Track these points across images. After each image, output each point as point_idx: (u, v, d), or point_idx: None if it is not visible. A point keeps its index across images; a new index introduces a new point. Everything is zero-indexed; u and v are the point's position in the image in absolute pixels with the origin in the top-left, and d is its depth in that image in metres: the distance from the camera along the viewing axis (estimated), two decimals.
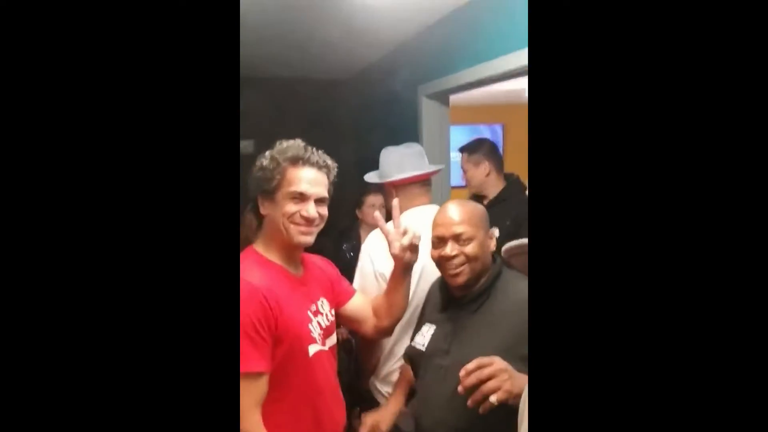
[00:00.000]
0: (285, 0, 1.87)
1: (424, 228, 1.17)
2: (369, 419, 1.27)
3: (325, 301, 1.17)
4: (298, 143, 1.06)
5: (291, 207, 1.02)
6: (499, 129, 5.15)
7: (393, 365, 1.47)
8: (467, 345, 1.05)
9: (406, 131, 2.41)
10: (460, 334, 1.08)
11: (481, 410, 0.80)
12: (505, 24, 1.70)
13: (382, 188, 1.59)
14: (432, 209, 1.55)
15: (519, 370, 0.83)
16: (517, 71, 1.65)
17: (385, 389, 1.43)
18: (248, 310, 0.90)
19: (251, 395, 0.91)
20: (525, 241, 0.43)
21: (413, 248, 1.12)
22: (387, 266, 1.40)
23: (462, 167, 2.09)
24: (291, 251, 1.09)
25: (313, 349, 1.04)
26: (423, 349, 1.14)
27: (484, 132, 5.15)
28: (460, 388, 0.83)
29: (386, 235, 1.14)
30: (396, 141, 1.70)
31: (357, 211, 2.33)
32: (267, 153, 1.06)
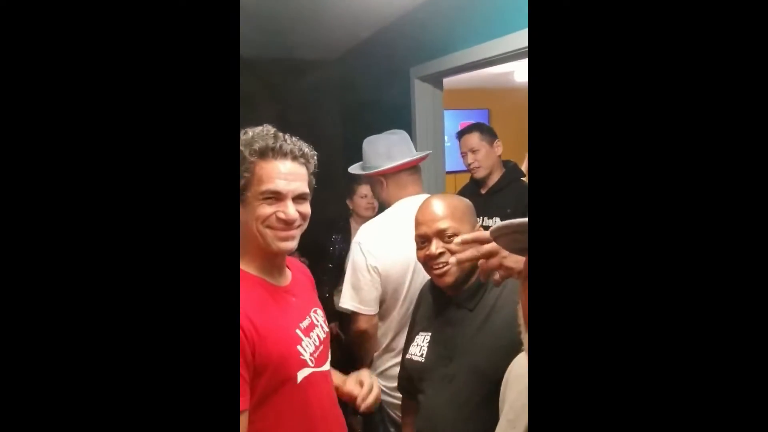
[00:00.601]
0: None
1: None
2: None
3: (319, 311, 1.03)
4: (266, 131, 0.87)
5: (265, 209, 0.85)
6: (484, 114, 5.09)
7: (391, 359, 1.42)
8: (472, 347, 0.97)
9: (398, 115, 2.31)
10: (461, 336, 0.99)
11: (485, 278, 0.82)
12: (503, 3, 1.61)
13: (370, 179, 1.53)
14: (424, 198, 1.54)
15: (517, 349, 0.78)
16: (514, 53, 1.57)
17: (384, 384, 1.35)
18: None
19: None
20: (512, 221, 0.42)
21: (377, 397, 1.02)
22: (380, 259, 1.36)
23: (471, 148, 1.96)
24: (271, 259, 0.92)
25: (303, 374, 0.87)
26: (422, 360, 1.04)
27: (470, 117, 5.09)
28: (452, 259, 0.84)
29: (350, 397, 1.03)
30: (387, 125, 1.64)
31: (347, 201, 2.23)
32: None
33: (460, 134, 2.03)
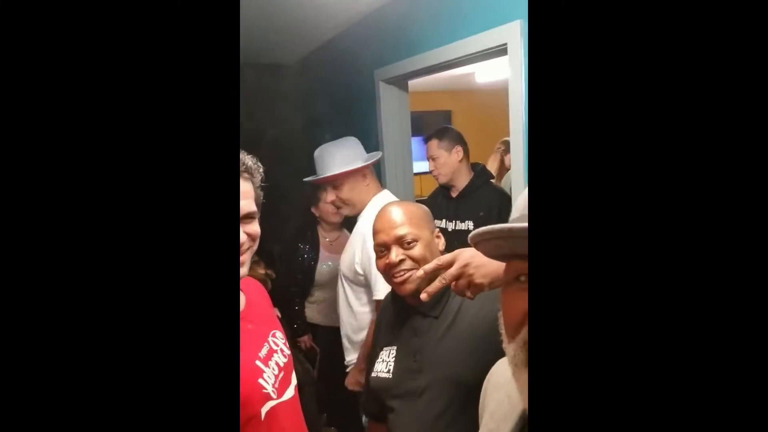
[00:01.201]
0: None
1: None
2: None
3: (278, 333, 0.94)
4: None
5: None
6: (446, 116, 5.12)
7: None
8: (440, 357, 0.94)
9: (363, 119, 2.27)
10: (429, 346, 0.96)
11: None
12: (466, 5, 1.59)
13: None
14: (389, 195, 1.62)
15: (493, 360, 0.77)
16: (480, 54, 1.57)
17: None
18: None
19: None
20: (493, 227, 0.41)
21: None
22: None
23: (431, 156, 1.98)
24: None
25: (266, 408, 0.80)
26: (389, 375, 1.00)
27: (429, 118, 5.11)
28: (423, 296, 0.81)
29: None
30: (352, 130, 1.63)
31: (313, 209, 2.16)
32: None
33: (425, 139, 2.05)
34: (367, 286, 1.51)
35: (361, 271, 1.49)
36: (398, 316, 1.05)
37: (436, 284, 0.81)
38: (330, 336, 2.02)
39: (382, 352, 1.04)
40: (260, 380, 0.80)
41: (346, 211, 1.64)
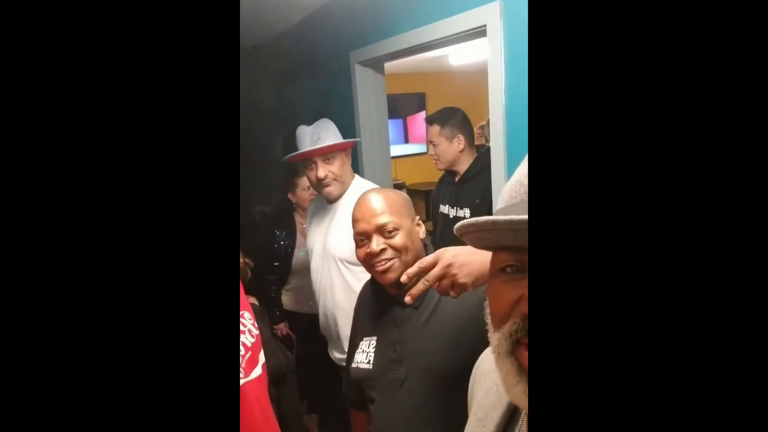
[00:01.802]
0: None
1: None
2: None
3: (246, 314, 0.96)
4: None
5: None
6: (421, 98, 5.10)
7: None
8: (421, 347, 0.94)
9: (338, 102, 2.22)
10: (409, 337, 0.95)
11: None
12: None
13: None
14: (364, 181, 1.60)
15: (473, 351, 0.78)
16: (456, 36, 1.54)
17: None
18: None
19: None
20: (477, 219, 0.41)
21: None
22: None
23: (430, 140, 1.90)
24: None
25: None
26: (370, 366, 0.99)
27: (403, 101, 5.08)
28: (407, 299, 0.82)
29: None
30: (327, 113, 1.60)
31: (289, 195, 2.12)
32: None
33: (427, 120, 1.94)
34: None
35: None
36: (378, 305, 1.04)
37: (420, 286, 0.81)
38: (306, 323, 2.01)
39: (362, 343, 1.03)
40: None
41: (334, 189, 1.52)
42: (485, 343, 0.48)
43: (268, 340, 1.50)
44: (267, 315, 1.89)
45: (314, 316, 1.68)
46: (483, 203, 1.74)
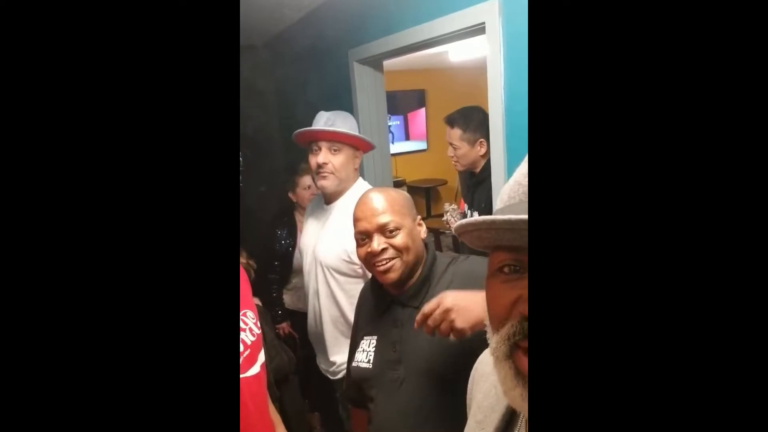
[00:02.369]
0: None
1: None
2: None
3: (249, 313, 0.98)
4: None
5: None
6: (421, 95, 5.08)
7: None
8: (421, 347, 0.94)
9: (337, 101, 2.22)
10: (410, 337, 0.95)
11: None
12: None
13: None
14: (366, 185, 1.52)
15: (471, 353, 0.80)
16: (456, 34, 1.53)
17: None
18: None
19: None
20: (474, 218, 0.42)
21: None
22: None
23: (451, 143, 1.84)
24: None
25: None
26: (369, 366, 0.99)
27: (404, 98, 5.07)
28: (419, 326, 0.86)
29: None
30: (327, 111, 1.54)
31: (290, 194, 2.12)
32: None
33: (448, 121, 1.86)
34: (360, 276, 1.41)
35: (355, 260, 1.40)
36: (378, 304, 1.04)
37: (419, 319, 0.85)
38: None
39: (362, 342, 1.03)
40: None
41: (329, 183, 1.42)
42: (486, 344, 0.48)
43: (272, 340, 1.50)
44: (269, 315, 1.89)
45: None
46: (488, 207, 1.73)
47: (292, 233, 2.10)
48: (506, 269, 0.43)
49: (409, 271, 0.97)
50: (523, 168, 0.45)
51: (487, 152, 1.81)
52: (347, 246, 1.36)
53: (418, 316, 0.86)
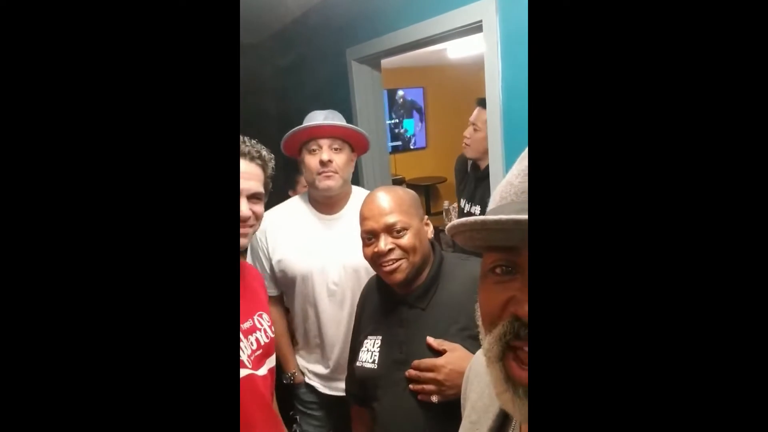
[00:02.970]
0: None
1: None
2: None
3: (264, 315, 1.00)
4: None
5: None
6: (419, 92, 5.08)
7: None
8: (426, 349, 0.93)
9: (335, 99, 2.22)
10: (416, 338, 0.95)
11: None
12: None
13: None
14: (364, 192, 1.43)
15: (470, 348, 0.83)
16: (455, 31, 1.53)
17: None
18: None
19: None
20: (467, 219, 0.42)
21: None
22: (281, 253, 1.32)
23: (473, 122, 1.79)
24: None
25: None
26: (375, 366, 0.99)
27: (405, 95, 5.07)
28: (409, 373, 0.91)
29: None
30: (325, 110, 1.52)
31: (290, 192, 2.12)
32: None
33: (481, 102, 1.75)
34: None
35: None
36: (384, 304, 1.03)
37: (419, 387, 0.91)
38: None
39: (366, 341, 1.03)
40: None
41: (334, 183, 1.29)
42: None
43: None
44: None
45: None
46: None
47: None
48: (498, 270, 0.43)
49: (416, 272, 0.96)
50: (515, 168, 0.45)
51: None
52: None
53: (410, 370, 0.91)
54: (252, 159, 0.92)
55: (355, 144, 1.37)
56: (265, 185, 0.95)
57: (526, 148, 0.42)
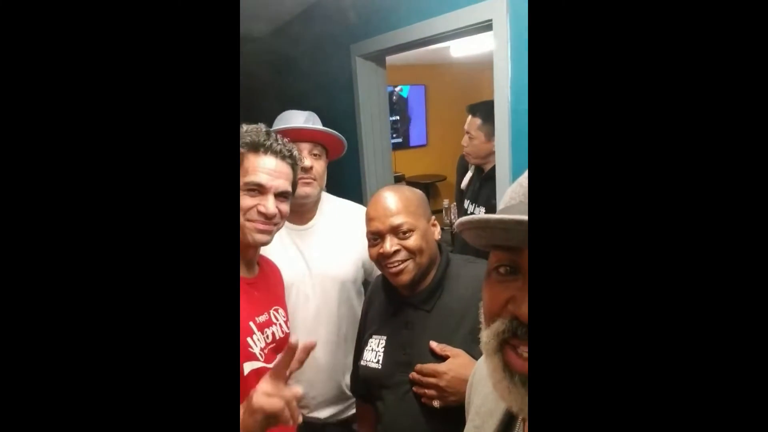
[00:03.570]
0: None
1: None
2: None
3: (281, 310, 1.02)
4: (259, 128, 0.94)
5: (247, 201, 0.89)
6: (421, 90, 5.06)
7: None
8: (430, 352, 0.93)
9: (339, 95, 2.20)
10: (420, 339, 0.94)
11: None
12: None
13: None
14: (335, 200, 1.36)
15: (475, 353, 0.83)
16: (466, 29, 1.51)
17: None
18: None
19: None
20: (473, 217, 0.42)
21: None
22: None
23: (467, 131, 1.84)
24: (244, 250, 0.95)
25: (250, 367, 0.87)
26: (379, 366, 0.98)
27: (406, 93, 5.05)
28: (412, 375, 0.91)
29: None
30: (328, 106, 1.50)
31: None
32: None
33: (470, 110, 1.84)
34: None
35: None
36: (389, 304, 1.02)
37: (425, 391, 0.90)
38: None
39: (371, 340, 1.02)
40: (249, 339, 0.89)
41: (312, 190, 1.23)
42: None
43: None
44: None
45: None
46: (496, 204, 1.72)
47: None
48: (501, 269, 0.44)
49: (422, 274, 0.95)
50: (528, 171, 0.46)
51: None
52: (362, 255, 1.23)
53: (412, 373, 0.90)
54: (283, 158, 0.93)
55: (332, 150, 1.30)
56: (293, 185, 0.97)
57: None
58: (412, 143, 5.22)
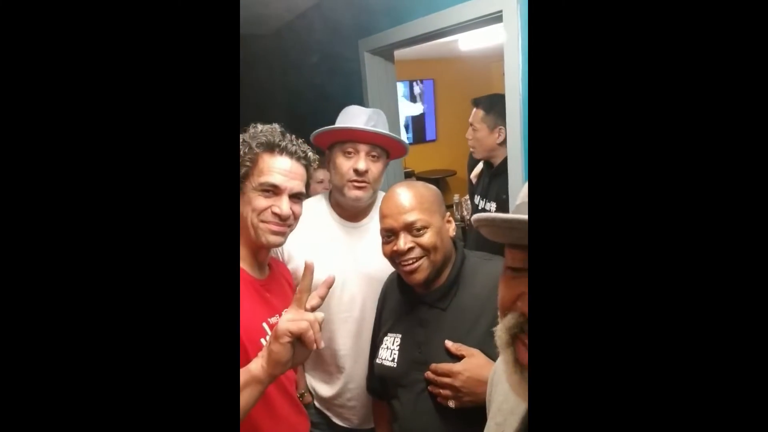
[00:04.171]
0: None
1: None
2: None
3: None
4: (274, 128, 0.93)
5: (261, 201, 0.88)
6: (430, 85, 5.04)
7: None
8: (445, 350, 0.92)
9: (348, 91, 2.19)
10: (435, 338, 0.93)
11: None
12: None
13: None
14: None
15: (490, 351, 0.83)
16: (476, 22, 1.49)
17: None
18: None
19: None
20: (489, 215, 0.42)
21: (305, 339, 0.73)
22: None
23: (471, 123, 1.84)
24: (256, 251, 0.94)
25: None
26: (394, 365, 0.97)
27: (416, 88, 5.02)
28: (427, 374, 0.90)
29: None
30: (335, 102, 1.48)
31: None
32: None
33: (474, 102, 1.86)
34: None
35: None
36: (404, 302, 1.01)
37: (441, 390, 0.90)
38: None
39: (386, 338, 1.01)
40: (262, 340, 0.88)
41: (366, 195, 1.17)
42: None
43: None
44: None
45: None
46: (509, 199, 1.70)
47: None
48: (513, 266, 0.46)
49: (437, 271, 0.94)
50: None
51: (505, 142, 1.76)
52: None
53: (428, 372, 0.89)
54: (298, 159, 0.92)
55: (392, 152, 1.25)
56: (307, 186, 0.96)
57: None
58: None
